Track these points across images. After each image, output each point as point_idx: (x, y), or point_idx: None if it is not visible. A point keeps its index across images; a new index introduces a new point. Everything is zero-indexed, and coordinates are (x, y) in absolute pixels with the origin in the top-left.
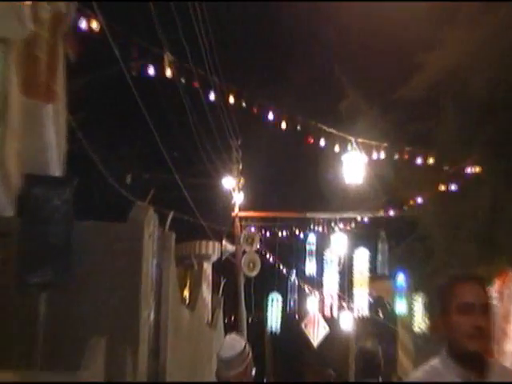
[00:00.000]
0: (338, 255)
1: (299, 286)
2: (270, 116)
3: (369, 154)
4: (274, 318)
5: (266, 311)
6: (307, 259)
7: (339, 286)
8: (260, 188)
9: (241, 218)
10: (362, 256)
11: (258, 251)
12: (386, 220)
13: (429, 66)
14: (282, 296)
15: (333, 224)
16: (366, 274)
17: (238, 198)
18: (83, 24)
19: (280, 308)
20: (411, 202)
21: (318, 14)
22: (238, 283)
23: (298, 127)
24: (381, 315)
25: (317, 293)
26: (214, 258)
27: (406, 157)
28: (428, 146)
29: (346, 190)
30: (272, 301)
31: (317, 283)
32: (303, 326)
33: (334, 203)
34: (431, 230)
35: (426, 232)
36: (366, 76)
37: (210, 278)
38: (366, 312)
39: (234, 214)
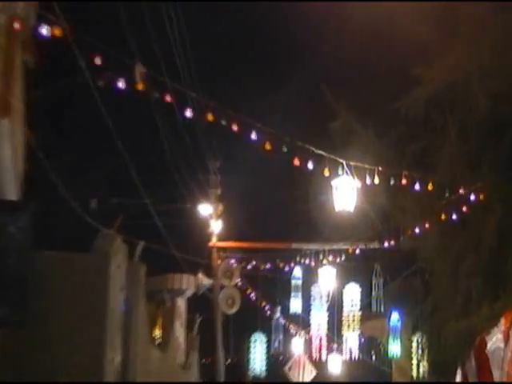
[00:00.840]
0: (326, 291)
1: (284, 325)
2: (253, 135)
3: (362, 178)
4: (257, 360)
5: (248, 353)
6: (292, 295)
7: (328, 325)
8: (241, 215)
9: (219, 249)
10: (353, 292)
11: (237, 286)
12: (381, 252)
13: (427, 80)
14: (266, 336)
15: (321, 256)
16: (358, 311)
17: (216, 227)
18: (45, 30)
19: (263, 349)
20: (409, 232)
21: (307, 26)
22: (216, 321)
23: (284, 148)
24: (374, 357)
25: (303, 333)
26: (189, 293)
27: (404, 182)
28: (427, 170)
29: (337, 219)
30: (255, 341)
31: (303, 322)
32: (287, 369)
33: (323, 233)
34: (431, 264)
35: (424, 265)
36: (359, 93)
37: (184, 315)
38: (357, 354)
39: (211, 245)
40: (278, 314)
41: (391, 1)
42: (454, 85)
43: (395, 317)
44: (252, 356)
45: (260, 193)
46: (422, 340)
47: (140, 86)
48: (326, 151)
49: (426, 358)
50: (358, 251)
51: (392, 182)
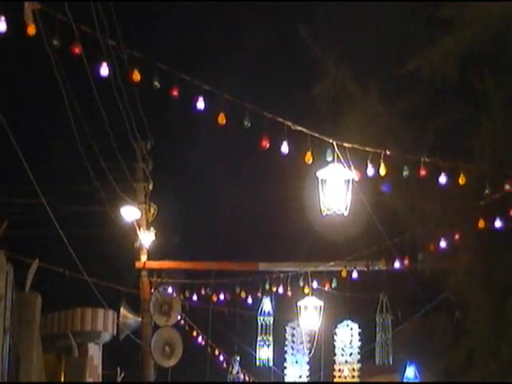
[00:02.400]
0: (309, 333)
1: (248, 380)
2: (201, 104)
3: (361, 167)
4: None
5: None
6: (260, 340)
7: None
8: (183, 223)
9: (151, 272)
10: (348, 334)
11: (178, 326)
12: (389, 276)
13: (461, 27)
14: None
15: (302, 282)
16: (356, 363)
17: (147, 239)
18: None
19: None
20: (431, 248)
21: None
22: (146, 378)
23: (247, 123)
24: None
25: None
26: (107, 336)
27: (423, 172)
28: (458, 155)
29: (324, 227)
30: None
31: (275, 378)
32: None
33: (305, 248)
34: (463, 295)
35: (454, 298)
36: (358, 41)
37: (100, 369)
38: None
39: (139, 265)
40: (236, 368)
41: None
42: (500, 34)
43: (411, 372)
44: None
45: (212, 189)
46: None
47: (31, 30)
48: (308, 127)
49: None
50: (355, 274)
51: (406, 173)
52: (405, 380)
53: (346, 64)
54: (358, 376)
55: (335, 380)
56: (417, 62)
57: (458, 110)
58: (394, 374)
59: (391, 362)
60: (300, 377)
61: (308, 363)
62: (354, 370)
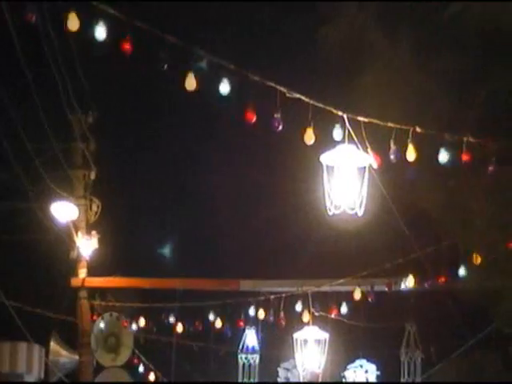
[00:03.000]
0: (309, 377)
1: None
2: (164, 62)
3: (382, 150)
4: None
5: None
6: None
7: None
8: (137, 225)
9: (92, 292)
10: (362, 379)
11: (130, 367)
12: (420, 300)
13: None
14: None
15: (300, 306)
16: None
17: (87, 247)
18: None
19: None
20: (477, 261)
21: None
22: None
23: (224, 87)
24: None
25: None
26: (31, 380)
27: (467, 157)
28: None
29: (331, 233)
30: None
31: None
32: None
33: (303, 262)
34: None
35: (507, 328)
36: None
37: None
38: None
39: (76, 283)
40: None
41: None
42: None
43: None
44: None
45: (178, 179)
46: None
47: None
48: (309, 94)
49: None
50: (372, 297)
51: (443, 158)
52: None
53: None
54: None
55: None
56: (463, 4)
57: None
58: None
59: None
60: None
61: None
62: None
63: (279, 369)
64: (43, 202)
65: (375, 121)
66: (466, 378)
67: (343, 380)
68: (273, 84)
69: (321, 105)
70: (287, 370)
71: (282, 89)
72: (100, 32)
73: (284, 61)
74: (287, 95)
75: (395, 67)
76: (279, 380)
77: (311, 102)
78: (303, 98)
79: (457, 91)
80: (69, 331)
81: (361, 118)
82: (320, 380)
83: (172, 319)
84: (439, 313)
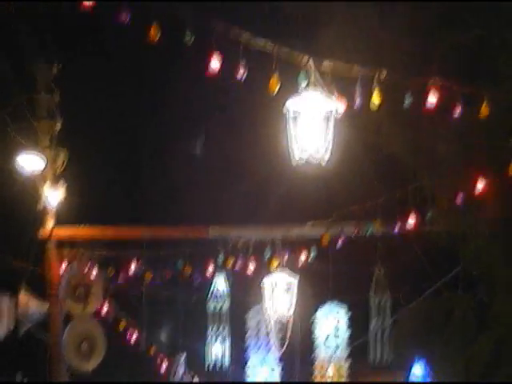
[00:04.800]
0: (279, 321)
1: None
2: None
3: (348, 94)
4: None
5: None
6: (211, 331)
7: None
8: (104, 174)
9: (61, 242)
10: (333, 322)
11: (100, 316)
12: (388, 244)
13: None
14: None
15: (268, 252)
16: (343, 361)
17: (54, 198)
18: None
19: None
20: (444, 204)
21: None
22: None
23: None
24: None
25: None
26: (1, 331)
27: (432, 101)
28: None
29: (299, 180)
30: None
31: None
32: None
33: (272, 208)
34: (489, 267)
35: (476, 271)
36: None
37: None
38: None
39: (44, 233)
40: (181, 370)
41: None
42: None
43: (418, 371)
44: None
45: (144, 128)
46: None
47: None
48: (273, 40)
49: None
50: (340, 242)
51: (408, 102)
52: (410, 380)
53: None
54: (347, 376)
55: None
56: None
57: (480, 24)
58: (395, 375)
59: (390, 360)
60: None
61: (278, 362)
62: (340, 369)
63: (249, 314)
64: (9, 154)
65: (340, 65)
66: (434, 321)
67: (314, 324)
68: (235, 31)
69: (286, 49)
70: (257, 314)
71: (246, 35)
72: None
73: (248, 8)
74: (251, 42)
75: (359, 13)
76: (249, 325)
77: (275, 48)
78: (267, 44)
79: (422, 35)
80: (38, 282)
81: (326, 63)
82: (290, 322)
83: (140, 267)
84: (407, 256)
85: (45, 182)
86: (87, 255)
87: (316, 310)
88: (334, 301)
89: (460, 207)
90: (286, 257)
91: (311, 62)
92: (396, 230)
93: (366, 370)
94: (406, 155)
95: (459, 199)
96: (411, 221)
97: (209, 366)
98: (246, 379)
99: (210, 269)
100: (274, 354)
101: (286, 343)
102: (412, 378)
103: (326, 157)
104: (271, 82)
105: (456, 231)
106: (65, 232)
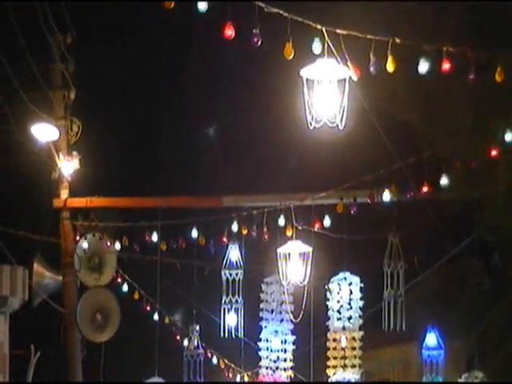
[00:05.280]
0: (293, 291)
1: (209, 360)
2: None
3: (361, 62)
4: None
5: None
6: (225, 301)
7: (297, 360)
8: (119, 145)
9: (75, 213)
10: (346, 291)
11: (114, 286)
12: (402, 211)
13: None
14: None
15: (282, 221)
16: (357, 330)
17: (69, 168)
18: None
19: None
20: (459, 170)
21: None
22: (71, 358)
23: (202, 3)
24: None
25: (247, 376)
26: (15, 303)
27: (446, 67)
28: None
29: (313, 147)
30: None
31: (247, 354)
32: None
33: (286, 176)
34: (505, 232)
35: (491, 237)
36: None
37: (7, 347)
38: None
39: (58, 204)
40: (195, 341)
41: None
42: None
43: (432, 340)
44: None
45: (158, 98)
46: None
47: None
48: (287, 8)
49: None
50: (355, 209)
51: (423, 68)
52: (425, 350)
53: None
54: (361, 347)
55: (328, 352)
56: None
57: None
58: (410, 344)
59: (404, 328)
60: (282, 351)
61: (292, 332)
62: (354, 339)
63: (262, 284)
64: (23, 124)
65: (354, 33)
66: (449, 289)
67: (327, 293)
68: None
69: (299, 19)
70: (271, 284)
71: (261, 4)
72: None
73: None
74: (265, 9)
75: None
76: (263, 295)
77: (290, 16)
78: (282, 12)
79: (436, 1)
80: (52, 253)
81: (340, 31)
82: (304, 292)
83: (155, 238)
84: (422, 224)
85: (59, 152)
86: (102, 225)
87: (330, 280)
88: (348, 270)
89: (475, 174)
90: (301, 225)
91: (324, 30)
92: (411, 197)
93: (380, 339)
94: (421, 122)
95: (474, 166)
96: (426, 188)
97: (223, 336)
98: (260, 350)
99: (224, 238)
100: (288, 324)
101: (301, 314)
102: (425, 348)
103: (341, 124)
104: (286, 48)
105: (471, 198)
106: (79, 202)
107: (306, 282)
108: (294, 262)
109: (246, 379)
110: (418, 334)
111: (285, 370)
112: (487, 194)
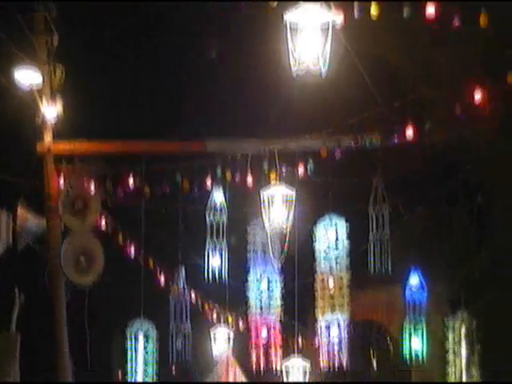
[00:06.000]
0: (278, 232)
1: (195, 303)
2: None
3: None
4: (138, 375)
5: (123, 361)
6: (209, 244)
7: (283, 303)
8: (102, 89)
9: (59, 157)
10: (332, 233)
11: (98, 230)
12: (387, 155)
13: None
14: (158, 328)
15: (266, 165)
16: (344, 271)
17: (52, 112)
18: None
19: (153, 354)
20: (443, 114)
21: None
22: (56, 302)
23: None
24: (375, 364)
25: (233, 319)
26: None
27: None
28: None
29: (297, 91)
30: (136, 339)
31: (233, 297)
32: None
33: (270, 121)
34: (489, 175)
35: (474, 179)
36: None
37: None
38: (342, 358)
39: (41, 148)
40: (181, 283)
41: None
42: None
43: (415, 282)
44: (131, 368)
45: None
46: (469, 328)
47: None
48: None
49: (476, 361)
50: (339, 153)
51: (407, 13)
52: (408, 291)
53: None
54: (348, 287)
55: (315, 295)
56: None
57: None
58: (394, 286)
59: (389, 270)
60: (268, 291)
61: (279, 274)
62: (341, 279)
63: (248, 227)
64: (6, 69)
65: None
66: (433, 231)
67: (313, 236)
68: None
69: None
70: (256, 227)
71: None
72: None
73: None
74: None
75: None
76: (248, 237)
77: None
78: None
79: None
80: (35, 196)
81: None
82: (288, 235)
83: (139, 182)
84: (406, 167)
85: (43, 97)
86: (86, 170)
87: (315, 223)
88: (333, 213)
89: (459, 118)
90: (285, 170)
91: None
92: (395, 141)
93: (365, 281)
94: (405, 66)
95: (458, 110)
96: (410, 131)
97: (208, 279)
98: (246, 293)
99: (208, 183)
100: (274, 266)
101: (285, 255)
102: (408, 289)
103: (325, 68)
104: None
105: (456, 142)
106: (63, 146)
107: (290, 225)
108: (278, 205)
109: (230, 321)
110: (402, 277)
111: (273, 310)
112: (471, 138)
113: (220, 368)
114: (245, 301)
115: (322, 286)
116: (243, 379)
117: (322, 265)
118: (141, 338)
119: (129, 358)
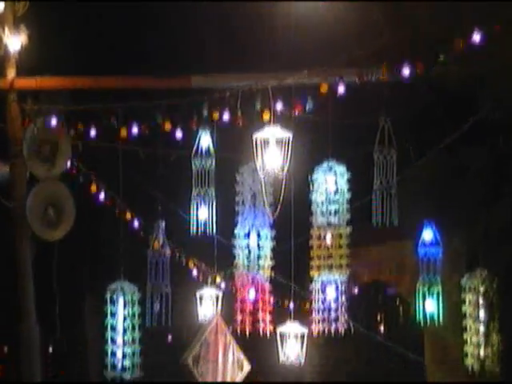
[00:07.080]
0: (271, 181)
1: (177, 260)
2: None
3: None
4: (118, 340)
5: (101, 325)
6: (195, 194)
7: (276, 260)
8: (72, 16)
9: (23, 95)
10: (331, 182)
11: (69, 177)
12: (394, 91)
13: None
14: (138, 287)
15: (258, 104)
16: (344, 226)
17: (15, 44)
18: None
19: (132, 317)
20: (457, 45)
21: None
22: (21, 258)
23: None
24: (383, 328)
25: (220, 277)
26: None
27: None
28: None
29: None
30: (114, 300)
31: (220, 253)
32: (190, 360)
33: (263, 52)
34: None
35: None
36: None
37: None
38: (345, 322)
39: (4, 84)
40: (161, 238)
41: None
42: None
43: (429, 236)
44: (109, 332)
45: None
46: (489, 287)
47: None
48: None
49: (497, 325)
50: (341, 90)
51: None
52: (420, 248)
53: None
54: (348, 245)
55: (312, 251)
56: None
57: None
58: (402, 242)
59: (396, 223)
60: (259, 249)
61: (271, 228)
62: (340, 236)
63: (237, 174)
64: None
65: None
66: (447, 179)
67: (310, 184)
68: None
69: None
70: (246, 174)
71: None
72: None
73: None
74: None
75: None
76: (237, 186)
77: None
78: None
79: None
80: None
81: None
82: (283, 183)
83: (114, 122)
84: (416, 105)
85: (4, 26)
86: (54, 109)
87: (313, 170)
88: (333, 158)
89: (477, 48)
90: (280, 109)
91: None
92: (404, 74)
93: (369, 236)
94: None
95: (476, 39)
96: (419, 65)
97: (193, 233)
98: (235, 248)
99: (194, 123)
100: (266, 218)
101: (279, 207)
102: (421, 244)
103: None
104: None
105: (473, 75)
106: (28, 82)
107: (285, 172)
108: (272, 149)
109: (218, 280)
110: (412, 231)
111: (263, 269)
112: (490, 70)
113: (208, 334)
114: (232, 259)
115: (318, 243)
116: (234, 345)
117: (318, 219)
118: (120, 299)
119: (107, 321)
